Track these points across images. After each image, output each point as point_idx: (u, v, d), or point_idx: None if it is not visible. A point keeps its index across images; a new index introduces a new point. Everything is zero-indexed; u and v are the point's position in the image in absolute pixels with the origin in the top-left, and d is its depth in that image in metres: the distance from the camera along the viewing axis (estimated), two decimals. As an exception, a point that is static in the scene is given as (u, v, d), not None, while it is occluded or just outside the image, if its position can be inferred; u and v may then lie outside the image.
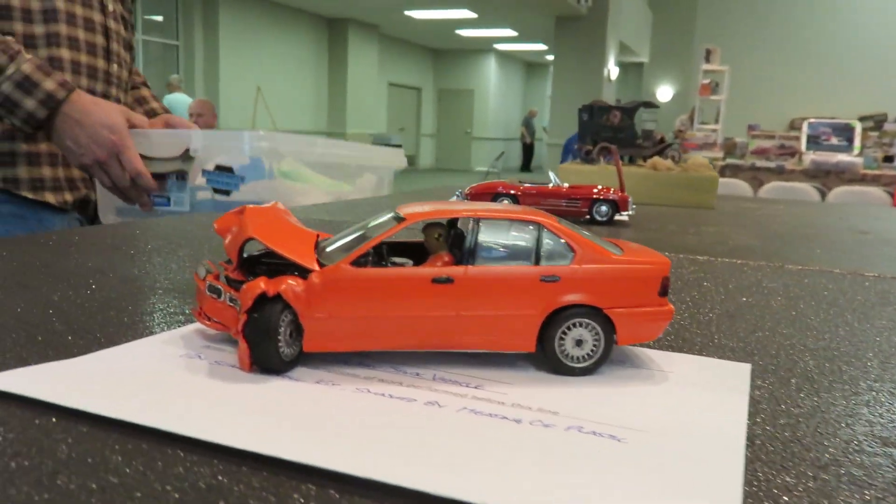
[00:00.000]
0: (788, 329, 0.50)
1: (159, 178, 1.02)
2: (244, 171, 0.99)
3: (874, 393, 0.37)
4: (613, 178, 1.41)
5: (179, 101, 6.16)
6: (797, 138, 5.55)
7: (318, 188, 1.15)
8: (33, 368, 0.35)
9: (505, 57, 17.74)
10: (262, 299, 0.35)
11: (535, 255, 0.37)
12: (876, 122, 6.89)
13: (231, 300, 0.38)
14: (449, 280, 0.36)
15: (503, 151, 16.14)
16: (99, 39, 1.10)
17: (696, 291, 0.62)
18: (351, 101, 12.26)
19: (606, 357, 0.38)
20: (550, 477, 0.26)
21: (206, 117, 4.73)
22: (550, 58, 14.21)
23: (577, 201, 1.08)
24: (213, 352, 0.39)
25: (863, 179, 4.95)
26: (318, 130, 12.14)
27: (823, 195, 4.51)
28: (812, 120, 5.57)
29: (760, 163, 5.35)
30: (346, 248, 0.38)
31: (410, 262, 0.40)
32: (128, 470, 0.26)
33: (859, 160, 5.09)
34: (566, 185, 1.11)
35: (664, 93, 11.29)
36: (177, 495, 0.24)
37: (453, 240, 0.40)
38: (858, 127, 5.39)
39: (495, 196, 1.07)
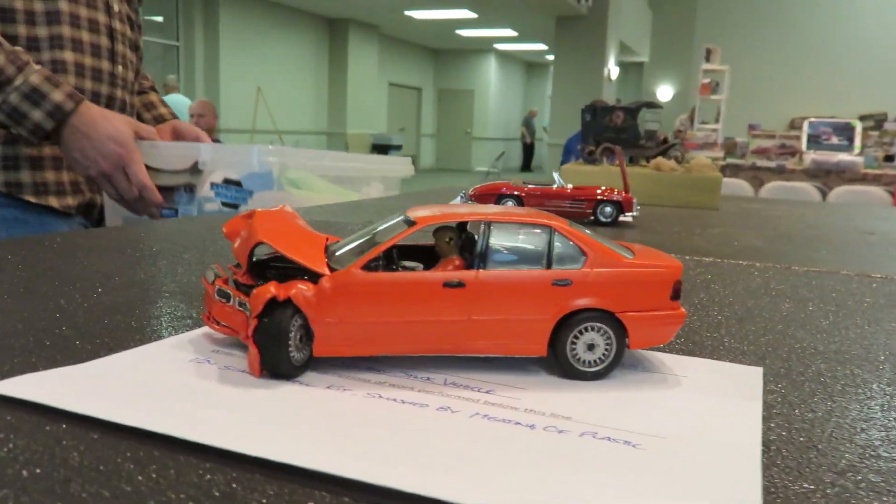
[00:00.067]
0: (798, 332, 0.50)
1: (167, 190, 1.02)
2: (252, 181, 0.99)
3: (888, 397, 0.37)
4: (616, 178, 1.40)
5: (178, 102, 6.16)
6: (798, 138, 5.55)
7: (325, 197, 1.15)
8: (42, 374, 0.34)
9: (505, 57, 17.74)
10: (273, 304, 0.35)
11: (547, 258, 0.37)
12: (876, 122, 6.88)
13: (240, 304, 0.37)
14: (460, 284, 0.36)
15: (503, 151, 16.15)
16: (103, 41, 1.09)
17: (703, 294, 0.62)
18: (351, 102, 12.26)
19: (618, 361, 0.38)
20: (567, 484, 0.26)
21: (206, 118, 4.72)
22: (550, 58, 14.20)
23: (582, 202, 1.08)
24: (222, 356, 0.38)
25: (863, 179, 4.95)
26: (319, 131, 12.14)
27: (824, 195, 4.51)
28: (812, 119, 5.57)
29: (761, 162, 5.35)
30: (357, 251, 0.38)
31: (421, 265, 0.40)
32: (140, 478, 0.26)
33: (860, 159, 5.09)
34: (570, 186, 1.11)
35: (664, 92, 11.28)
36: (191, 504, 0.24)
37: (463, 243, 0.40)
38: (859, 126, 5.39)
39: (499, 197, 1.07)
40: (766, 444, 0.31)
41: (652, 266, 0.38)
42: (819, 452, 0.30)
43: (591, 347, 0.37)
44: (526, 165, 16.97)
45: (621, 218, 1.09)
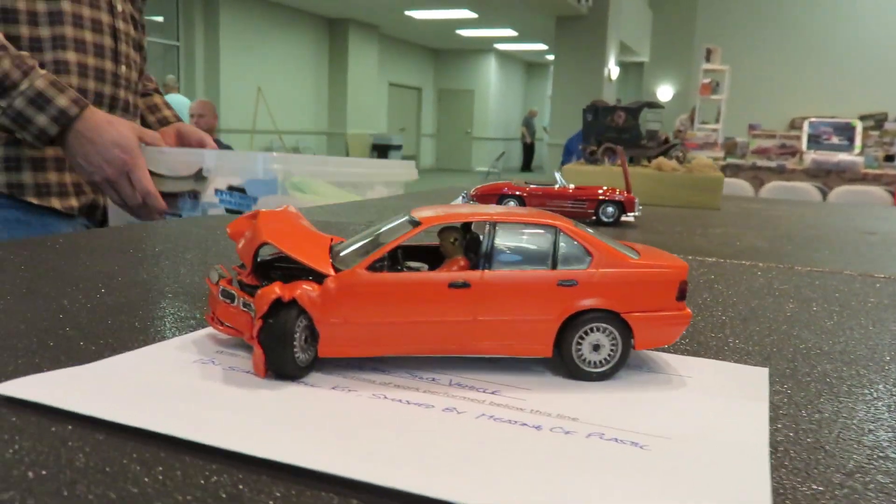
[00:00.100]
0: (803, 332, 0.50)
1: (171, 196, 1.02)
2: (256, 186, 0.99)
3: (895, 398, 0.37)
4: (617, 178, 1.40)
5: (177, 102, 6.15)
6: (798, 138, 5.54)
7: (328, 201, 1.15)
8: (47, 375, 0.34)
9: (505, 57, 17.74)
10: (278, 304, 0.35)
11: (552, 259, 0.37)
12: (876, 122, 6.88)
13: (244, 305, 0.37)
14: (466, 285, 0.36)
15: (503, 151, 16.15)
16: (107, 41, 1.08)
17: (707, 294, 0.62)
18: (351, 102, 12.26)
19: (624, 362, 0.37)
20: (574, 485, 0.26)
21: (206, 118, 4.72)
22: (551, 58, 14.20)
23: (584, 202, 1.08)
24: (226, 357, 0.38)
25: (864, 179, 4.95)
26: (319, 131, 12.14)
27: (825, 195, 4.51)
28: (813, 119, 5.57)
29: (761, 162, 5.34)
30: (361, 252, 0.38)
31: (426, 266, 0.40)
32: (147, 479, 0.26)
33: (860, 159, 5.09)
34: (572, 186, 1.10)
35: (664, 92, 11.28)
36: (198, 506, 0.24)
37: (468, 244, 0.40)
38: (859, 126, 5.38)
39: (501, 197, 1.07)
40: (774, 445, 0.31)
41: (657, 266, 0.38)
42: (827, 453, 0.30)
43: (596, 348, 0.37)
44: (526, 165, 16.97)
45: (623, 218, 1.09)
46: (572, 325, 0.37)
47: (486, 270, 0.36)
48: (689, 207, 1.44)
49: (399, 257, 0.42)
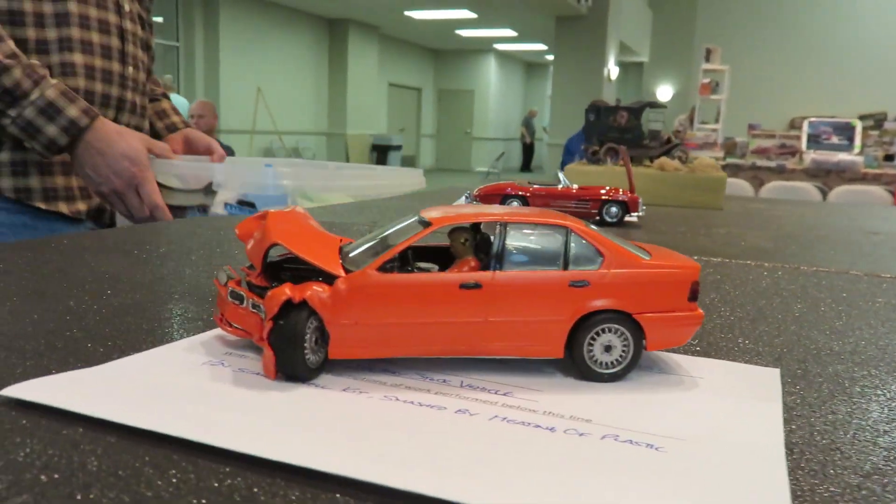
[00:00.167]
0: (812, 332, 0.50)
1: (180, 209, 1.02)
2: (265, 198, 0.98)
3: (908, 398, 0.37)
4: (620, 178, 1.40)
5: (175, 102, 6.14)
6: (798, 137, 5.54)
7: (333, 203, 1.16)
8: (56, 377, 0.34)
9: (505, 57, 17.74)
10: (288, 306, 0.34)
11: (564, 259, 0.37)
12: (876, 121, 6.88)
13: (254, 306, 0.37)
14: (477, 286, 0.36)
15: (503, 152, 16.14)
16: (114, 42, 1.07)
17: (715, 294, 0.61)
18: (351, 102, 12.25)
19: (635, 363, 0.37)
20: (592, 487, 0.26)
21: (206, 118, 4.71)
22: (550, 58, 14.21)
23: (587, 202, 1.08)
24: (235, 359, 0.38)
25: (863, 178, 4.95)
26: (319, 131, 12.13)
27: (825, 194, 4.50)
28: (812, 119, 5.57)
29: (761, 162, 5.34)
30: (371, 253, 0.38)
31: (436, 267, 0.40)
32: (160, 483, 0.25)
33: (860, 159, 5.09)
34: (575, 186, 1.10)
35: (664, 92, 11.28)
36: (213, 509, 0.24)
37: (478, 244, 0.40)
38: (859, 126, 5.38)
39: (504, 198, 1.07)
40: (789, 447, 0.30)
41: (669, 267, 0.38)
42: (843, 455, 0.30)
43: (608, 349, 0.37)
44: (526, 166, 16.96)
45: (626, 218, 1.09)
46: (584, 325, 0.36)
47: (498, 271, 0.36)
48: (692, 207, 1.44)
49: (409, 258, 0.41)
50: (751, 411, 0.34)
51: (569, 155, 5.24)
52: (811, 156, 5.16)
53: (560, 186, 1.10)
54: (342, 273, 0.36)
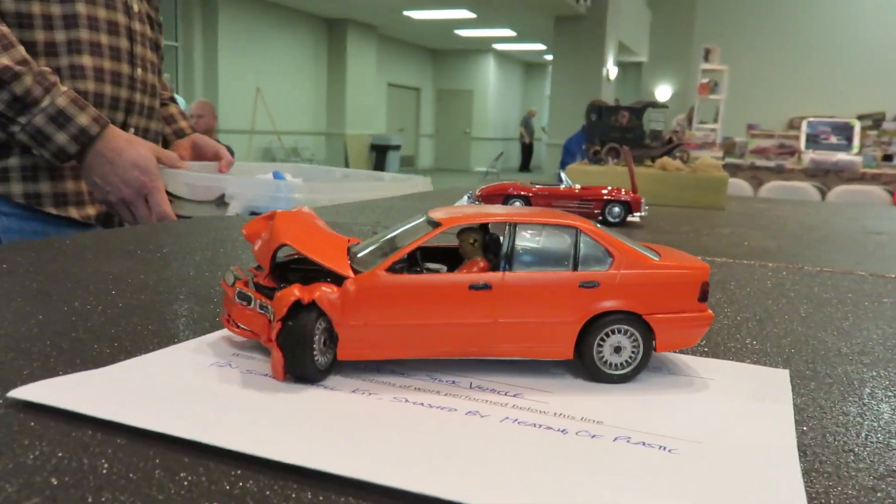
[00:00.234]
0: (820, 333, 0.49)
1: (188, 220, 1.01)
2: (274, 207, 0.99)
3: (918, 399, 0.37)
4: (621, 178, 1.40)
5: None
6: (796, 137, 5.55)
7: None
8: (64, 379, 0.34)
9: (504, 57, 17.74)
10: (297, 307, 0.34)
11: (573, 260, 0.37)
12: (875, 121, 6.89)
13: (261, 307, 0.37)
14: (486, 286, 0.35)
15: (502, 151, 16.14)
16: (123, 43, 1.06)
17: (720, 294, 0.61)
18: (350, 102, 12.24)
19: (645, 364, 0.37)
20: (606, 489, 0.26)
21: (206, 118, 4.71)
22: (549, 58, 14.21)
23: (590, 202, 1.08)
24: (243, 360, 0.38)
25: (862, 178, 4.95)
26: (318, 131, 12.13)
27: (823, 194, 4.51)
28: (811, 119, 5.57)
29: (760, 162, 5.35)
30: (380, 253, 0.37)
31: (445, 267, 0.39)
32: (172, 486, 0.25)
33: (858, 159, 5.09)
34: (578, 186, 1.10)
35: (663, 92, 11.28)
36: (226, 513, 0.24)
37: (487, 245, 0.39)
38: (857, 126, 5.38)
39: (507, 198, 1.07)
40: (802, 448, 0.30)
41: (679, 267, 0.37)
42: (857, 457, 0.30)
43: (617, 350, 0.37)
44: (525, 166, 16.96)
45: (629, 218, 1.09)
46: (594, 327, 0.36)
47: (507, 272, 0.36)
48: (694, 207, 1.44)
49: (417, 259, 0.41)
50: (762, 413, 0.34)
51: (568, 155, 5.24)
52: (810, 156, 5.16)
53: (563, 186, 1.09)
54: (351, 274, 0.35)
